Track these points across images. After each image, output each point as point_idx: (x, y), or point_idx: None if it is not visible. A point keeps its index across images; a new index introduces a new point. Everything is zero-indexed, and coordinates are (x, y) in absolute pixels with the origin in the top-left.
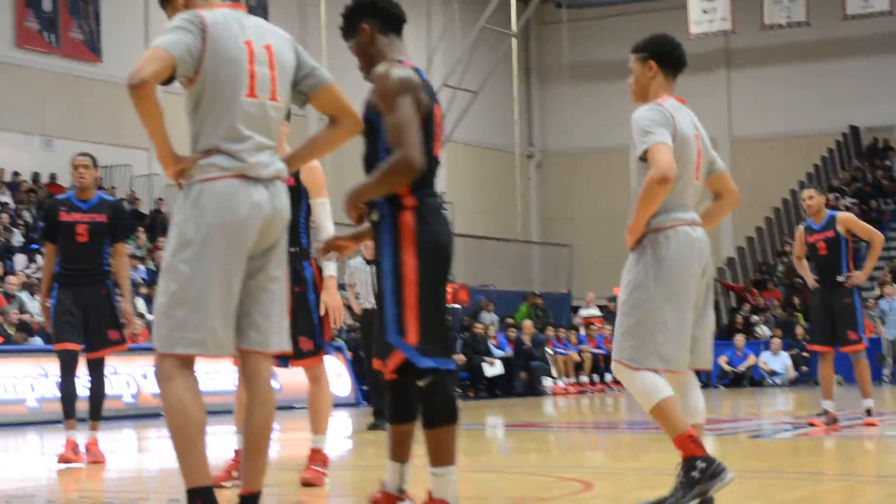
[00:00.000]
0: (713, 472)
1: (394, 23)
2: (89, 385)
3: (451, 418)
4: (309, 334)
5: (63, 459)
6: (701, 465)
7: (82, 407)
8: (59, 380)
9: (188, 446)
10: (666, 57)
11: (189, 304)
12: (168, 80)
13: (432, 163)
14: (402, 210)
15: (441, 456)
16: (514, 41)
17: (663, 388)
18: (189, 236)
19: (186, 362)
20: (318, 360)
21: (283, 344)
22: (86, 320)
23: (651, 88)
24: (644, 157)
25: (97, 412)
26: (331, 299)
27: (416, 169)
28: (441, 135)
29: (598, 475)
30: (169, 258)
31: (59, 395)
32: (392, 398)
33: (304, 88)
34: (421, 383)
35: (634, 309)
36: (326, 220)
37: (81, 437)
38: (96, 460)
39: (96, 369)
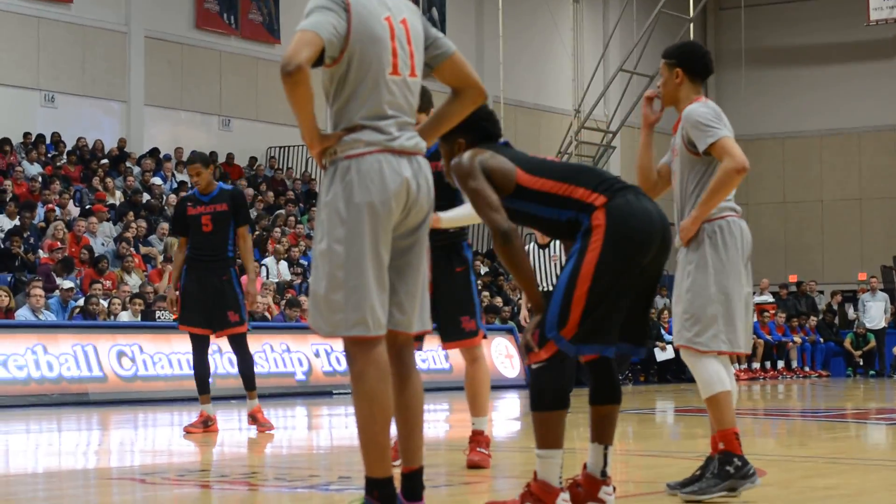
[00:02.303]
0: (746, 472)
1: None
2: (237, 361)
3: (562, 403)
4: (472, 314)
5: (188, 430)
6: (737, 462)
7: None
8: (192, 359)
9: (370, 438)
10: (692, 65)
11: (347, 284)
12: (317, 63)
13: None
14: (595, 210)
15: (547, 439)
16: (691, 26)
17: (725, 381)
18: (341, 215)
19: (380, 347)
20: (480, 341)
21: (424, 325)
22: (209, 304)
23: (680, 93)
24: (707, 151)
25: (250, 383)
26: None
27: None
28: None
29: (768, 462)
30: (324, 239)
31: (231, 371)
32: (593, 380)
33: (428, 60)
34: (534, 366)
35: (697, 296)
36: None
37: (246, 407)
38: (264, 428)
39: (237, 346)
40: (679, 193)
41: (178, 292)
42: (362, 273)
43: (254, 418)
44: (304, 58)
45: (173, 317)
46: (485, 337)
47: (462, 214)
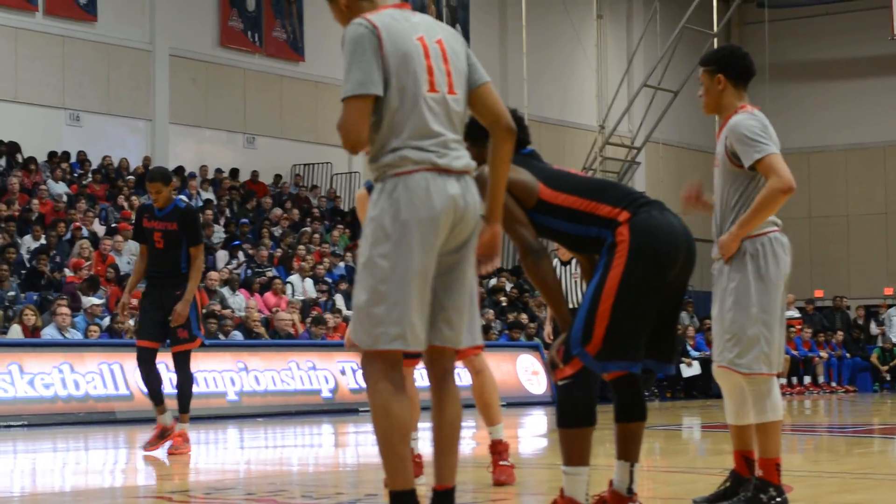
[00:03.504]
0: None
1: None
2: (176, 380)
3: (589, 420)
4: None
5: (148, 445)
6: (772, 492)
7: (258, 401)
8: (140, 373)
9: (391, 450)
10: (733, 69)
11: (389, 299)
12: None
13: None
14: (619, 225)
15: (574, 455)
16: (715, 41)
17: (780, 410)
18: (386, 230)
19: (393, 361)
20: (478, 352)
21: (474, 339)
22: (165, 320)
23: (723, 100)
24: (753, 167)
25: (184, 405)
26: None
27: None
28: None
29: (796, 478)
30: (367, 253)
31: (257, 389)
32: (619, 397)
33: None
34: (560, 383)
35: (738, 316)
36: None
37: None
38: (180, 452)
39: (177, 365)
40: (719, 206)
41: (135, 301)
42: (405, 288)
43: (173, 441)
44: (365, 133)
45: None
46: (483, 345)
47: None
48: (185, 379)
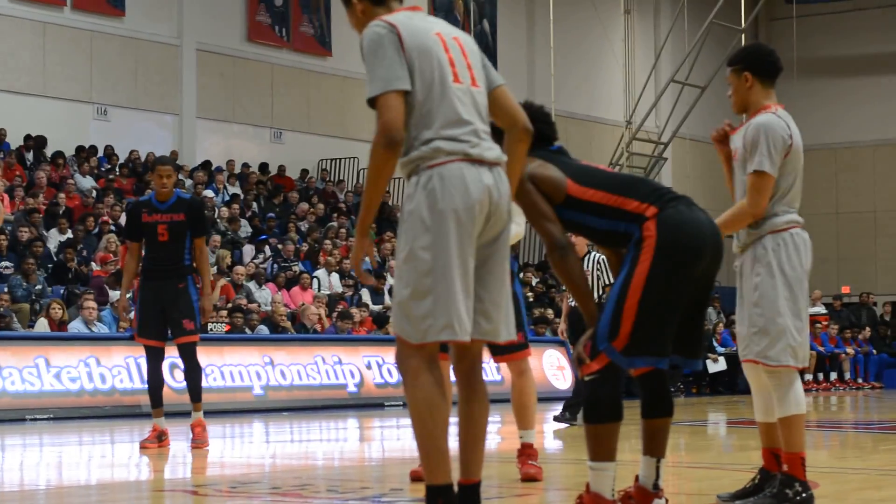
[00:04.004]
0: (804, 499)
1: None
2: (185, 371)
3: (615, 416)
4: (519, 326)
5: (143, 445)
6: (798, 488)
7: (283, 395)
8: (146, 371)
9: (432, 444)
10: (759, 66)
11: (434, 291)
12: None
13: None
14: (646, 220)
15: (600, 451)
16: (743, 37)
17: (803, 403)
18: (425, 222)
19: (432, 354)
20: (527, 354)
21: (511, 333)
22: (165, 313)
23: (751, 97)
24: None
25: (196, 394)
26: None
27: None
28: None
29: (821, 474)
30: (407, 247)
31: (283, 383)
32: (645, 393)
33: None
34: (587, 378)
35: (766, 308)
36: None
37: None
38: (199, 445)
39: (184, 357)
40: (738, 199)
41: (131, 300)
42: (449, 279)
43: (193, 430)
44: (401, 129)
45: (122, 323)
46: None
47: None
48: (195, 369)
